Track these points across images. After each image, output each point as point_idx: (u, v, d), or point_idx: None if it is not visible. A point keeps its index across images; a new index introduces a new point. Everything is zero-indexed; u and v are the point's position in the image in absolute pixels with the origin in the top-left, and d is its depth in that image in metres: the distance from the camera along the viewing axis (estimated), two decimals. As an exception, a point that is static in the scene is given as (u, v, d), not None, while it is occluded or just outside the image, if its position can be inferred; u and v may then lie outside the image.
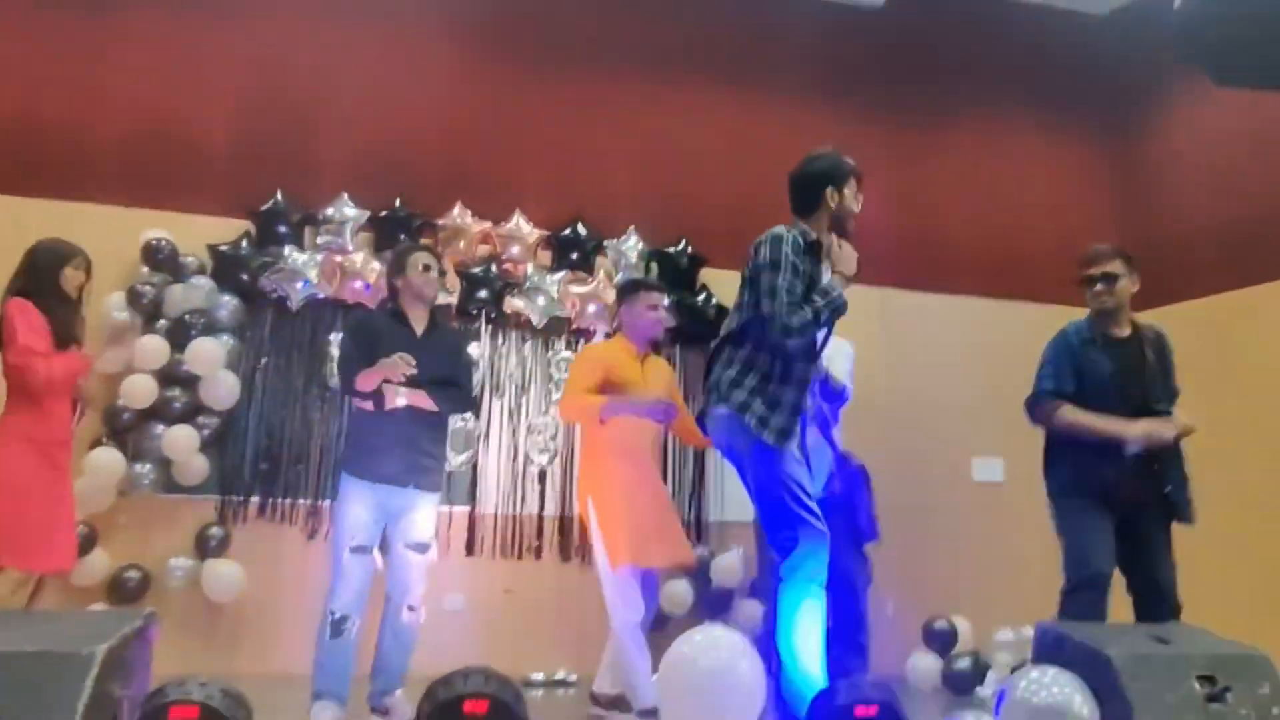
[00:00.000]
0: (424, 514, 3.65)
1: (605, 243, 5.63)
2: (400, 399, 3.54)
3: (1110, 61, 6.71)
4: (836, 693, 2.57)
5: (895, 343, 6.05)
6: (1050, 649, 2.82)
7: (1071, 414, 3.49)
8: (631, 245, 5.63)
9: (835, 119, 6.36)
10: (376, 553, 3.58)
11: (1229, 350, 5.66)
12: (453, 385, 3.74)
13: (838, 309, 3.03)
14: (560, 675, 4.88)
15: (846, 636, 3.92)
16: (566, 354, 5.45)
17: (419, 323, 3.75)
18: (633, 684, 3.54)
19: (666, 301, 3.94)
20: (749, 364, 3.07)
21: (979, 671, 4.75)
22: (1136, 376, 3.52)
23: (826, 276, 3.12)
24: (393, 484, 3.56)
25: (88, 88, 5.19)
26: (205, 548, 4.72)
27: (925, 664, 4.94)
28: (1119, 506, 3.45)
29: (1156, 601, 3.41)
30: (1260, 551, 5.28)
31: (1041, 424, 3.62)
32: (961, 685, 4.74)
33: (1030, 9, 6.84)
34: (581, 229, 5.58)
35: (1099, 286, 3.59)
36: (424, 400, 3.60)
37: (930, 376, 6.04)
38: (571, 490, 5.30)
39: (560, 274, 5.46)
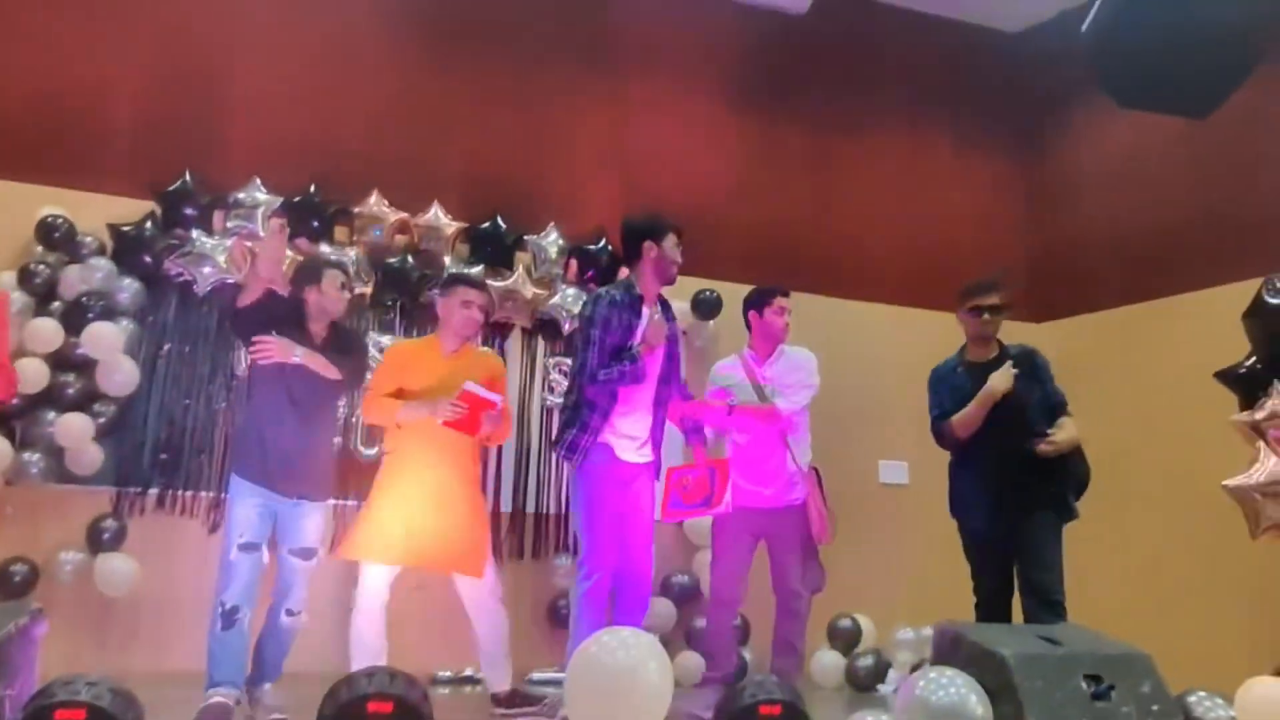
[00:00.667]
0: (312, 521, 3.63)
1: (525, 238, 5.59)
2: (297, 356, 3.50)
3: (1022, 77, 6.95)
4: (743, 692, 2.60)
5: (808, 345, 6.14)
6: (948, 648, 2.91)
7: (955, 420, 3.78)
8: (551, 241, 5.61)
9: (757, 122, 6.45)
10: (265, 549, 3.54)
11: (1129, 362, 5.92)
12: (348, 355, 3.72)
13: (637, 378, 3.47)
14: (468, 673, 4.84)
15: (780, 637, 4.00)
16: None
17: (319, 335, 3.69)
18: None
19: (483, 300, 3.95)
20: (576, 405, 3.55)
21: (881, 669, 4.86)
22: (1004, 395, 3.68)
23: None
24: (278, 493, 3.53)
25: (-19, 54, 4.93)
26: (98, 540, 4.53)
27: (829, 661, 5.04)
28: (1010, 513, 3.62)
29: (1034, 601, 3.57)
30: (1157, 556, 5.53)
31: (948, 444, 3.89)
32: (864, 682, 4.85)
33: (947, 23, 7.03)
34: (501, 223, 5.53)
35: (987, 316, 3.79)
36: (322, 364, 3.55)
37: (841, 380, 6.13)
38: (485, 485, 5.27)
39: (478, 268, 5.41)
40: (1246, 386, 4.45)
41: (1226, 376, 4.57)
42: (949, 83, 6.96)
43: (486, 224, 5.51)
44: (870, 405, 6.15)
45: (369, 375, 4.05)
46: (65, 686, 2.24)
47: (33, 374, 4.42)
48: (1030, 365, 3.79)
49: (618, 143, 6.04)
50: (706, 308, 5.68)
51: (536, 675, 4.85)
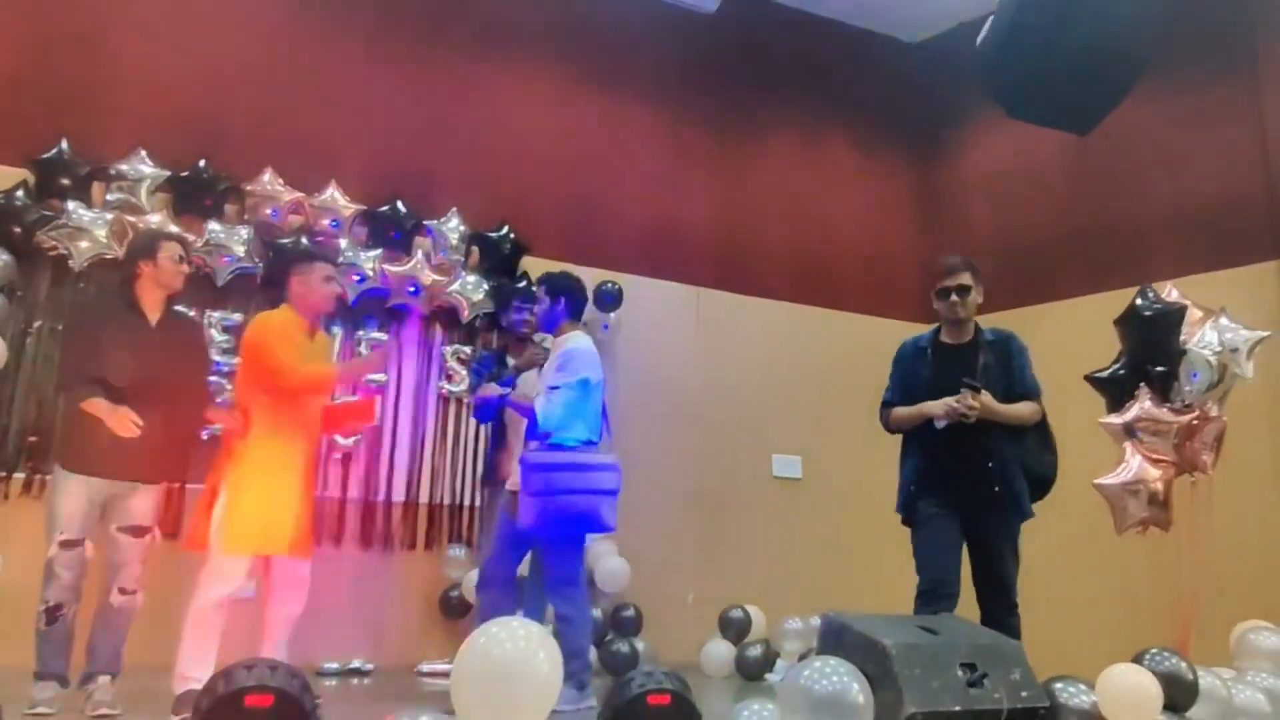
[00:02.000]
0: (142, 499, 3.50)
1: (425, 222, 5.50)
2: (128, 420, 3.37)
3: (919, 86, 7.16)
4: (631, 682, 2.61)
5: (707, 339, 6.24)
6: (833, 638, 2.99)
7: (896, 414, 3.75)
8: (453, 227, 5.52)
9: (661, 116, 6.48)
10: (89, 544, 3.40)
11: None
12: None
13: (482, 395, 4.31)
14: (355, 664, 4.75)
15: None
16: (377, 335, 5.29)
17: (153, 310, 3.54)
18: (184, 661, 3.33)
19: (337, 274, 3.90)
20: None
21: (769, 658, 4.96)
22: (961, 380, 3.62)
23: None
24: (110, 478, 3.40)
25: None
26: (-44, 527, 4.28)
27: (719, 651, 5.12)
28: (964, 510, 3.62)
29: (996, 597, 3.61)
30: (1026, 551, 5.76)
31: (889, 430, 3.84)
32: (752, 671, 4.94)
33: (849, 30, 7.19)
34: (401, 206, 5.43)
35: (954, 298, 3.71)
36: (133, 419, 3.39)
37: (738, 374, 6.27)
38: (378, 474, 5.19)
39: (376, 251, 5.29)
40: (1115, 390, 4.68)
41: (1096, 380, 4.80)
42: (848, 88, 7.14)
43: (385, 207, 5.40)
44: (766, 400, 6.28)
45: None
46: (-87, 682, 2.10)
47: (-114, 348, 4.14)
48: (1004, 351, 3.73)
49: (523, 131, 5.98)
50: (608, 299, 5.68)
51: (425, 666, 4.79)
